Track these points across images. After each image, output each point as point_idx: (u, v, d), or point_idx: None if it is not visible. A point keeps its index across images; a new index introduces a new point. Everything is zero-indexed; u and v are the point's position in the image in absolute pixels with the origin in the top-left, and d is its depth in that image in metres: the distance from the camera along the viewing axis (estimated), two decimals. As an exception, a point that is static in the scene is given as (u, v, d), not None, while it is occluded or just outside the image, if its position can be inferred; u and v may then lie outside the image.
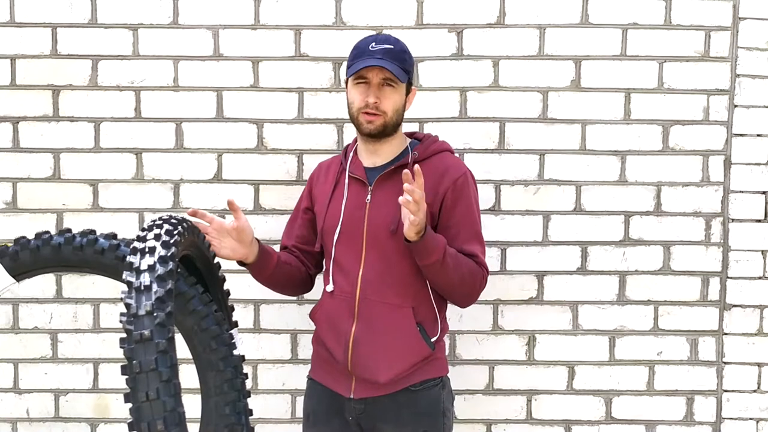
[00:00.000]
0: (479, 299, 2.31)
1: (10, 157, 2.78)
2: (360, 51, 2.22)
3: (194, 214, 2.17)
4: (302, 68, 2.76)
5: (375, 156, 2.29)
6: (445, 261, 2.11)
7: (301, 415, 2.81)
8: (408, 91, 2.27)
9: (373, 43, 2.21)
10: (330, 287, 2.29)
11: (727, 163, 2.79)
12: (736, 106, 2.77)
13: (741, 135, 2.78)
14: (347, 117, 2.73)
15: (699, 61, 2.76)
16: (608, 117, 2.77)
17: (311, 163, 2.76)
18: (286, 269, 2.36)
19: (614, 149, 2.78)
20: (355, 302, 2.23)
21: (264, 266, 2.30)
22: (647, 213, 2.79)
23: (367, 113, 2.20)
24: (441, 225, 2.23)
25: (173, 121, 2.77)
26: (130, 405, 1.51)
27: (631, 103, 2.77)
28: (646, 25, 2.75)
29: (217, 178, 2.79)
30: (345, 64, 2.73)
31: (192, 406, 1.94)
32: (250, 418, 2.00)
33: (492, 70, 2.74)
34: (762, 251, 2.80)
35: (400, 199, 2.00)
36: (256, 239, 2.29)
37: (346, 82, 2.29)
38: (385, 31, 2.73)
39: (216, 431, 1.94)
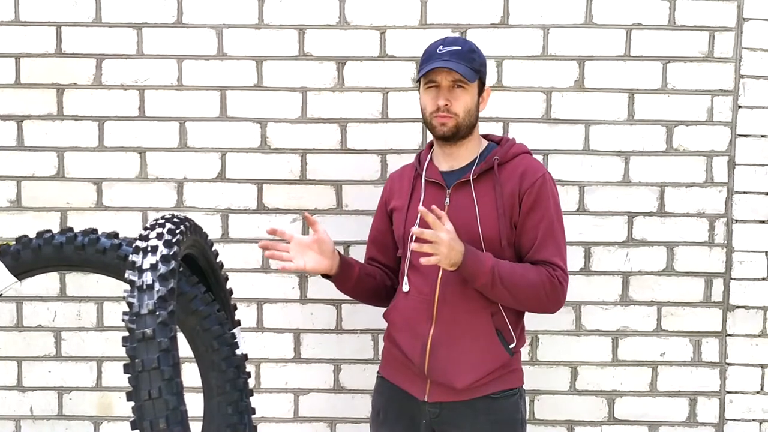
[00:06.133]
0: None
1: (15, 156, 2.78)
2: (428, 55, 2.21)
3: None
4: (306, 68, 2.76)
5: (452, 159, 2.28)
6: (494, 282, 2.09)
7: (305, 414, 2.84)
8: (481, 92, 2.25)
9: (441, 46, 2.20)
10: (406, 287, 2.27)
11: (731, 164, 2.78)
12: (740, 106, 2.76)
13: (745, 136, 2.77)
14: (351, 117, 2.76)
15: (703, 62, 2.76)
16: (612, 117, 2.77)
17: (315, 163, 2.77)
18: (369, 282, 2.36)
19: (618, 150, 2.77)
20: (434, 304, 2.20)
21: (346, 278, 2.30)
22: (651, 214, 2.79)
23: (439, 116, 2.20)
24: (518, 228, 2.20)
25: (177, 120, 2.78)
26: (132, 403, 1.52)
27: (635, 104, 2.76)
28: (650, 26, 2.74)
29: (221, 177, 2.79)
30: (349, 64, 2.75)
31: (194, 404, 1.94)
32: (252, 417, 2.00)
33: (495, 70, 2.74)
34: (766, 252, 2.80)
35: (414, 246, 2.04)
36: (337, 251, 2.30)
37: (418, 88, 2.28)
38: (388, 31, 2.73)
39: (218, 431, 1.94)
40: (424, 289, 2.23)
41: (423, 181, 2.29)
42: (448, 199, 2.23)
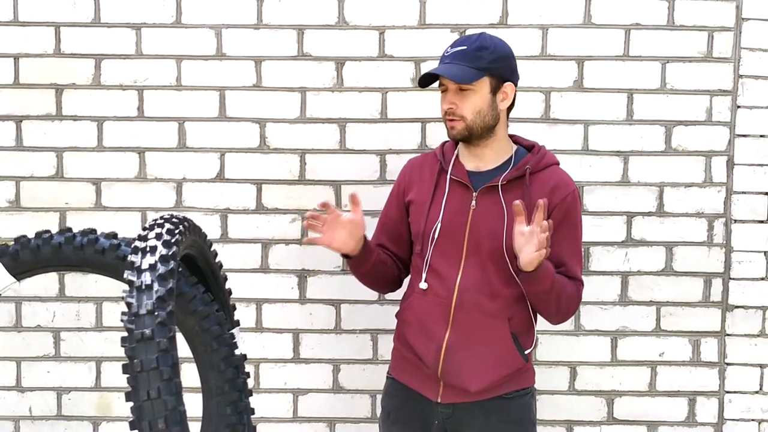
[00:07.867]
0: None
1: (14, 156, 2.78)
2: (441, 58, 2.22)
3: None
4: (305, 68, 2.76)
5: (478, 160, 2.25)
6: (552, 289, 2.11)
7: (305, 414, 2.83)
8: (497, 89, 2.19)
9: (449, 48, 2.19)
10: (424, 285, 2.24)
11: (730, 164, 2.78)
12: (738, 106, 2.77)
13: (744, 136, 2.77)
14: (349, 117, 2.77)
15: (702, 62, 2.76)
16: (611, 117, 2.77)
17: (314, 163, 2.77)
18: (381, 269, 2.34)
19: (617, 150, 2.77)
20: (451, 308, 2.19)
21: (363, 262, 2.29)
22: (650, 214, 2.79)
23: (449, 119, 2.19)
24: None
25: (176, 121, 2.77)
26: (131, 404, 1.52)
27: (634, 104, 2.76)
28: (649, 26, 2.74)
29: (220, 177, 2.79)
30: (348, 64, 2.75)
31: (193, 404, 1.94)
32: (251, 417, 2.00)
33: (495, 70, 2.74)
34: (764, 252, 2.80)
35: (533, 228, 2.00)
36: (365, 236, 2.29)
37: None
38: (387, 31, 2.73)
39: (217, 431, 1.94)
40: (441, 292, 2.21)
41: (448, 178, 2.25)
42: (474, 202, 2.20)
